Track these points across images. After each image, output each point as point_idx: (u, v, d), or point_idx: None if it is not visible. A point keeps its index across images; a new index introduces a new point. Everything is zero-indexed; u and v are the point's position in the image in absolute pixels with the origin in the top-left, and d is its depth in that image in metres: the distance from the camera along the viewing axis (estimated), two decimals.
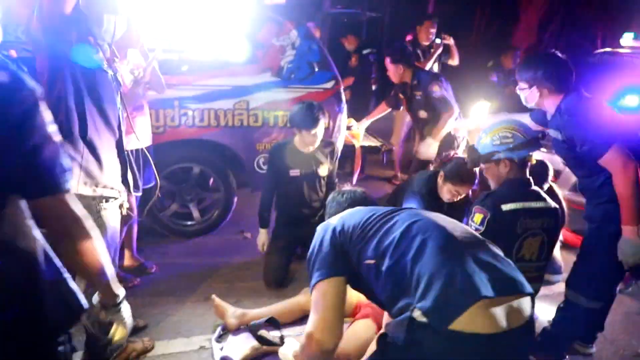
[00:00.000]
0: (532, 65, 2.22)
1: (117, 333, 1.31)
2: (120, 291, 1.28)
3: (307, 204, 3.09)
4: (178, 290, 2.86)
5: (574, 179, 3.64)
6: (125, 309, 1.31)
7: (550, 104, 2.21)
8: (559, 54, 2.25)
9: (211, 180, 3.54)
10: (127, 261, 3.04)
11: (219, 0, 3.21)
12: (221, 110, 3.32)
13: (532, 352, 2.39)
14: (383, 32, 6.96)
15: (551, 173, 2.77)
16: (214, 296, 2.55)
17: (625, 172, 2.00)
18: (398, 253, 1.44)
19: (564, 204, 2.75)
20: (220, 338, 2.44)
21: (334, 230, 1.63)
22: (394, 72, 3.83)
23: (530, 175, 2.23)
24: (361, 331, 2.24)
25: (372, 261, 1.50)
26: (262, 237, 3.10)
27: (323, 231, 1.66)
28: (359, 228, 1.59)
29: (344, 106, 3.67)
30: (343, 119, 3.68)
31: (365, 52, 5.62)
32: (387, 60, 3.84)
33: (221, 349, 2.34)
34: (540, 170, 2.64)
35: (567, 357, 2.45)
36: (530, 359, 2.27)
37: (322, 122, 2.88)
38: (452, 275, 1.32)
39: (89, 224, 1.12)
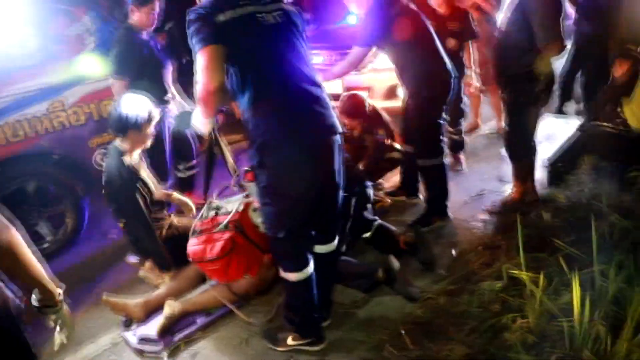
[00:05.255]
0: None
1: (63, 332, 1.25)
2: (59, 289, 1.21)
3: None
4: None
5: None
6: (66, 307, 1.24)
7: None
8: None
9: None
10: None
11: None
12: (35, 117, 3.06)
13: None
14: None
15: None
16: (105, 295, 2.46)
17: None
18: None
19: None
20: (127, 325, 2.45)
21: None
22: None
23: None
24: None
25: None
26: None
27: None
28: None
29: None
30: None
31: (168, 26, 5.28)
32: None
33: (134, 334, 2.36)
34: None
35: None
36: None
37: None
38: None
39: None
